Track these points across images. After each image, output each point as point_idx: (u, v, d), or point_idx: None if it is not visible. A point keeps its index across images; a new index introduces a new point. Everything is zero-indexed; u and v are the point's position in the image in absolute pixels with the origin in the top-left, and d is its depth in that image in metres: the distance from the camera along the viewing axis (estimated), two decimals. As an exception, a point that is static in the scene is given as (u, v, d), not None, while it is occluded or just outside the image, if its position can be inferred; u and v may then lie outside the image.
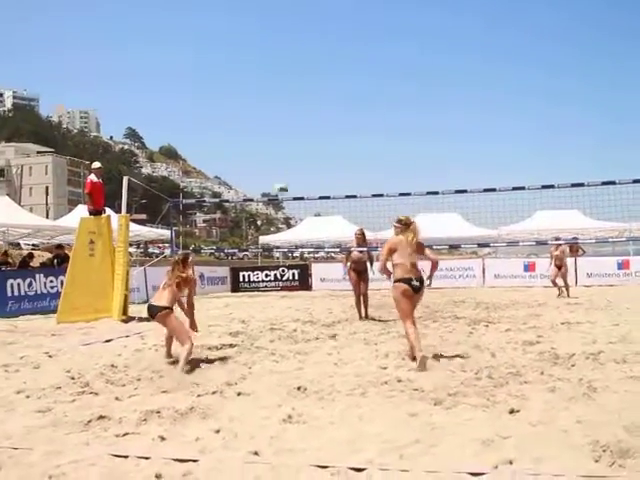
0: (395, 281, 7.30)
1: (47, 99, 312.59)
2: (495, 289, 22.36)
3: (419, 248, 7.46)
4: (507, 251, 31.18)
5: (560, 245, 18.14)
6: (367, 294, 12.47)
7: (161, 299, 7.35)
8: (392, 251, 7.35)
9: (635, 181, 15.45)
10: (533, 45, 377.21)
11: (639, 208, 16.36)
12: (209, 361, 7.44)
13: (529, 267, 24.15)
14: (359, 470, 3.58)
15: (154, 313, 7.32)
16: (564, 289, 17.41)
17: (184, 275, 7.45)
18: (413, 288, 7.17)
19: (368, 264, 12.64)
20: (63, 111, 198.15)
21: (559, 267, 17.63)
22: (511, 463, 3.63)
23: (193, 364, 7.08)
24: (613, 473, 3.43)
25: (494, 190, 16.61)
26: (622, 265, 23.39)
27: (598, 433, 4.02)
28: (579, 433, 4.12)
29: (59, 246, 20.22)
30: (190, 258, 7.87)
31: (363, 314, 12.23)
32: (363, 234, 13.18)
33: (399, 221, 7.64)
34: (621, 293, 18.06)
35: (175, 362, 7.16)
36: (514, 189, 16.48)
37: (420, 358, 6.60)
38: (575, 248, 24.67)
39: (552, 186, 16.25)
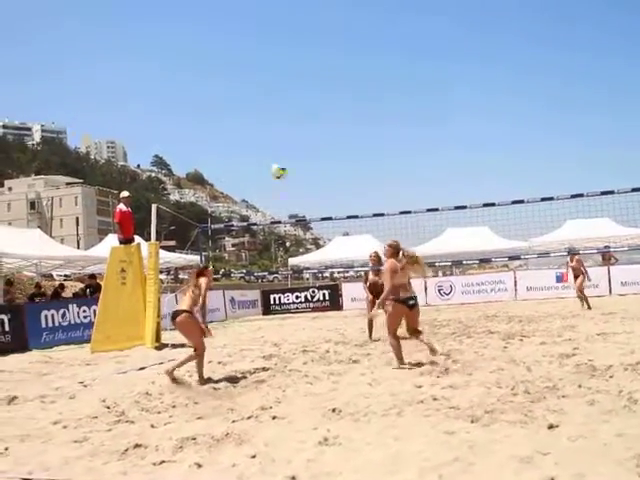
0: (395, 300, 8.15)
1: (74, 130, 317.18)
2: (528, 301, 22.13)
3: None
4: (538, 262, 30.88)
5: (575, 255, 17.88)
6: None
7: (182, 304, 8.16)
8: (395, 273, 8.14)
9: (666, 186, 15.28)
10: (557, 53, 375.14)
11: (672, 213, 16.14)
12: (243, 386, 7.46)
13: (562, 278, 23.86)
14: (398, 492, 3.55)
15: (175, 316, 7.98)
16: (585, 300, 17.03)
17: (198, 281, 8.10)
18: (410, 306, 8.16)
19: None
20: (90, 141, 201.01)
21: (577, 277, 17.32)
22: (552, 480, 3.57)
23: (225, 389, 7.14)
24: (658, 487, 3.36)
25: (522, 202, 16.53)
26: (657, 272, 23.02)
27: (640, 446, 3.95)
28: (621, 447, 4.04)
29: (92, 276, 20.43)
30: (210, 268, 9.14)
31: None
32: (378, 255, 13.00)
33: (390, 245, 8.56)
34: (657, 301, 17.79)
35: (207, 383, 7.52)
36: (543, 200, 16.40)
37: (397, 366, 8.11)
38: (608, 256, 24.39)
39: (581, 195, 16.15)
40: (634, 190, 15.62)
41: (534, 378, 6.67)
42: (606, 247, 24.09)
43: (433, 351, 8.19)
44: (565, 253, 22.07)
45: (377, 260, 12.80)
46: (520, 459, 3.95)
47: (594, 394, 5.71)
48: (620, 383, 6.14)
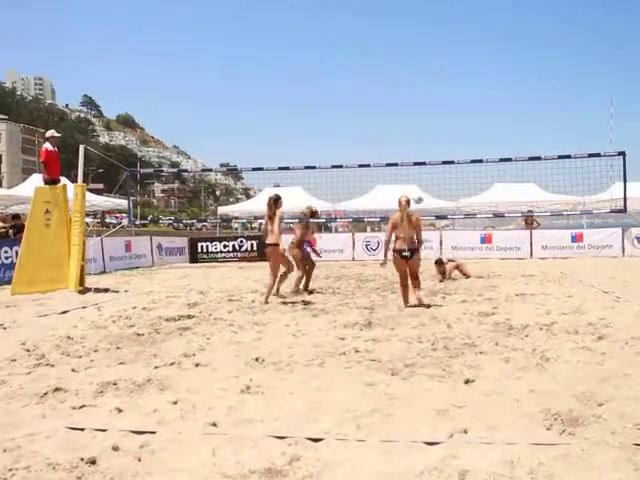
0: (393, 251, 9.45)
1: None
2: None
3: (414, 223, 9.38)
4: (464, 223, 31.51)
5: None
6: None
7: (270, 238, 10.42)
8: (394, 227, 9.41)
9: (590, 155, 15.72)
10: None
11: (593, 182, 16.64)
12: (167, 332, 7.42)
13: (486, 239, 24.42)
14: (316, 440, 3.61)
15: (266, 247, 10.63)
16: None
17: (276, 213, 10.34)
18: (404, 257, 9.31)
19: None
20: (17, 77, 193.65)
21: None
22: (466, 432, 3.70)
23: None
24: (563, 440, 3.52)
25: (452, 162, 16.74)
26: (576, 238, 23.79)
27: (550, 402, 4.12)
28: (532, 402, 4.21)
29: (15, 216, 19.85)
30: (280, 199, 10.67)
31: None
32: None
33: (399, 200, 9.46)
34: (575, 265, 18.41)
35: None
36: (472, 162, 16.63)
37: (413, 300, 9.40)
38: (530, 220, 25.09)
39: (509, 159, 16.42)
40: (560, 157, 15.99)
41: (454, 335, 6.85)
42: (529, 211, 24.72)
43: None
44: (491, 215, 22.59)
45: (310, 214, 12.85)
46: (437, 411, 4.07)
47: (509, 352, 5.91)
48: (534, 342, 6.36)
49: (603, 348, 5.93)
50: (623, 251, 23.20)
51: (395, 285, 12.60)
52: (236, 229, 45.87)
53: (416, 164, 16.96)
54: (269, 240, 10.48)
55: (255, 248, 26.10)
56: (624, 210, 16.51)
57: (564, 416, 3.84)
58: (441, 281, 13.90)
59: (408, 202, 9.48)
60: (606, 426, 3.71)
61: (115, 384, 4.90)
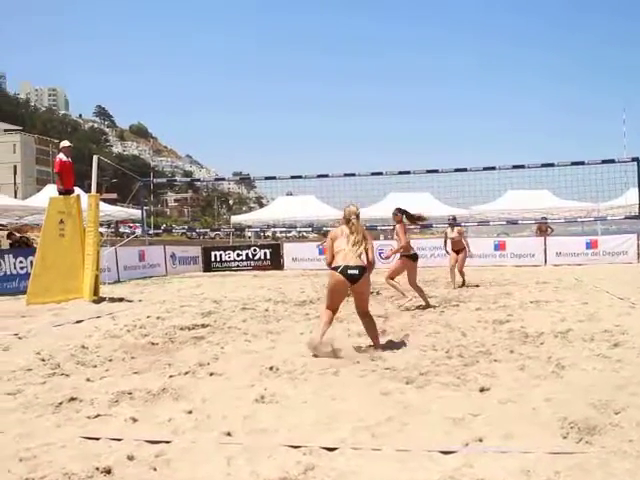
0: (332, 268, 6.68)
1: (14, 76, 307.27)
2: (466, 268, 22.47)
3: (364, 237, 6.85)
4: (478, 230, 31.38)
5: (457, 226, 15.82)
6: None
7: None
8: (333, 240, 6.82)
9: (604, 161, 15.67)
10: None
11: (607, 188, 16.59)
12: (181, 341, 7.44)
13: (499, 246, 24.30)
14: (331, 449, 3.60)
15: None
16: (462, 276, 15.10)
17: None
18: (349, 277, 6.53)
19: None
20: (30, 88, 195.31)
21: (458, 252, 15.22)
22: (481, 440, 3.68)
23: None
24: (580, 449, 3.50)
25: (465, 170, 16.74)
26: (590, 244, 23.64)
27: (566, 410, 4.09)
28: (548, 410, 4.18)
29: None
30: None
31: None
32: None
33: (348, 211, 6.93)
34: (589, 272, 18.28)
35: None
36: (485, 169, 16.64)
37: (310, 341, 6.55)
38: (544, 227, 24.98)
39: (522, 166, 16.43)
40: (573, 164, 15.96)
41: (468, 343, 6.84)
42: (543, 218, 24.64)
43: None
44: (504, 222, 22.50)
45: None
46: (452, 420, 4.05)
47: (525, 359, 5.88)
48: (550, 350, 6.33)
49: (619, 355, 5.90)
50: (638, 257, 23.01)
51: (409, 293, 12.08)
52: (249, 238, 45.86)
53: (429, 172, 17.01)
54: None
55: (269, 257, 26.11)
56: (639, 216, 16.42)
57: (580, 424, 3.81)
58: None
59: (358, 217, 6.84)
60: (623, 434, 3.68)
61: (130, 393, 4.91)
